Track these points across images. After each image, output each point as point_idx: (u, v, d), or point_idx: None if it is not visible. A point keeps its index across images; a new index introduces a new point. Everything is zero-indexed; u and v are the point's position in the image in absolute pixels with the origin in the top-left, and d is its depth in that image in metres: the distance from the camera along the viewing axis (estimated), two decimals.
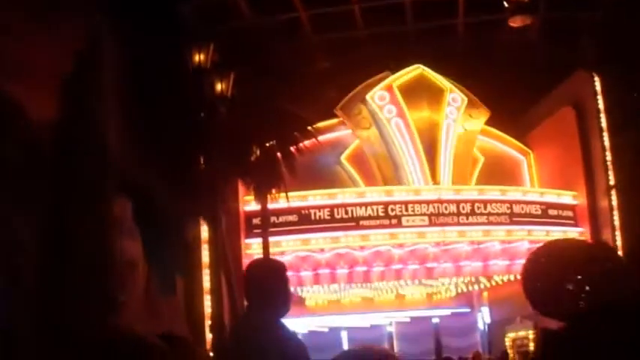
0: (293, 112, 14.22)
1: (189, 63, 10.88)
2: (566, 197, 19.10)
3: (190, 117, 10.70)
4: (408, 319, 23.21)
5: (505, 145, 20.78)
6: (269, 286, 3.33)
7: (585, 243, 2.28)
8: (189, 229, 12.69)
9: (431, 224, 17.13)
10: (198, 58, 10.85)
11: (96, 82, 2.22)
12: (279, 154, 13.93)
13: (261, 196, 13.85)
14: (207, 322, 14.19)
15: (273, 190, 13.82)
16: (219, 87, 11.49)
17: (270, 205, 16.19)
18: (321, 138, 18.04)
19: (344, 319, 22.39)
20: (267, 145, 13.99)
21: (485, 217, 17.67)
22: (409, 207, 17.05)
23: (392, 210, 16.94)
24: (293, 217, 16.80)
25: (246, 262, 15.89)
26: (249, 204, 16.58)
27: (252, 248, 16.57)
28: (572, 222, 18.92)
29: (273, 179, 13.59)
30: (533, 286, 1.97)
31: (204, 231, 14.68)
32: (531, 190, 19.41)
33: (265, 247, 14.02)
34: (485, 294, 22.56)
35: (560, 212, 18.97)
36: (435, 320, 23.30)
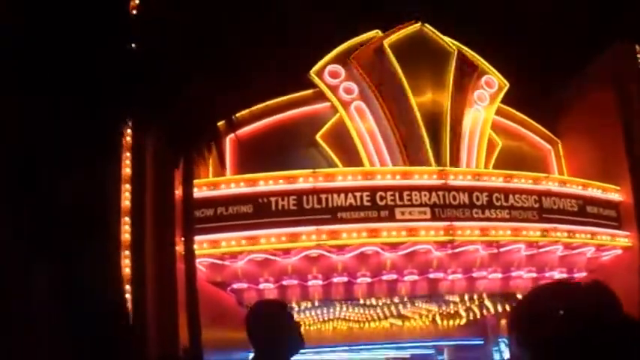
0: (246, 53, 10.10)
1: None
2: (610, 192, 15.65)
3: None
4: (407, 355, 20.99)
5: (529, 131, 17.21)
6: (277, 327, 3.21)
7: (579, 284, 1.95)
8: (78, 196, 8.48)
9: (434, 218, 13.35)
10: None
11: None
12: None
13: (180, 155, 9.49)
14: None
15: (200, 154, 9.49)
16: None
17: (217, 192, 12.32)
18: (292, 112, 14.21)
19: (323, 354, 18.57)
20: (200, 88, 9.73)
21: (507, 211, 13.70)
22: (405, 194, 13.16)
23: (381, 198, 13.09)
24: (247, 208, 12.96)
25: (181, 266, 11.71)
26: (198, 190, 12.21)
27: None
28: (615, 223, 15.82)
29: (203, 132, 9.25)
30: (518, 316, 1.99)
31: (127, 200, 11.26)
32: (567, 180, 15.32)
33: (188, 243, 9.70)
34: (503, 321, 18.72)
35: (601, 210, 15.11)
36: (441, 356, 21.31)
